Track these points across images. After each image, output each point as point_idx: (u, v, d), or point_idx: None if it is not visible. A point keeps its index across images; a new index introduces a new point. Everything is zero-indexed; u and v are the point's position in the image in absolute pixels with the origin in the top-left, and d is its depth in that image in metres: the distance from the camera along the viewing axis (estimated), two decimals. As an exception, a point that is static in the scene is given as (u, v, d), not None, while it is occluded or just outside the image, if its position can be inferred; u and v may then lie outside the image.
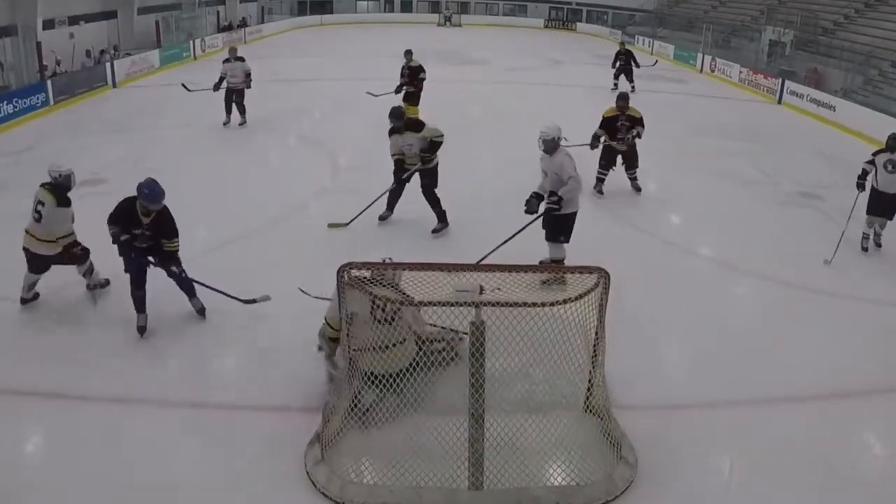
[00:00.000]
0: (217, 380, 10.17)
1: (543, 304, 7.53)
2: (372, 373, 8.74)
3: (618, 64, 33.49)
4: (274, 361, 10.27)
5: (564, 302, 7.66)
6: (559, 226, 12.46)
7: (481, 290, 8.37)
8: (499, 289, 8.06)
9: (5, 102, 26.34)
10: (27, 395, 9.63)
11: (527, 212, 12.42)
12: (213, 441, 8.80)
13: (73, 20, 38.93)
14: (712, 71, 40.30)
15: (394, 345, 8.89)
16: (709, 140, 24.21)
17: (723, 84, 37.99)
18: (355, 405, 8.78)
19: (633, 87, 32.37)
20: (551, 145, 12.32)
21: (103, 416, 9.30)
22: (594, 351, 8.51)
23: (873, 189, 14.21)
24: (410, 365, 8.58)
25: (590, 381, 8.68)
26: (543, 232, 12.62)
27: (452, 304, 7.53)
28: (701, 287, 13.06)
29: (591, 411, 8.80)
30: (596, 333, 8.36)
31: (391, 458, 8.05)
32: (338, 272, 8.04)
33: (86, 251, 11.87)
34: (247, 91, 24.28)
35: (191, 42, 45.16)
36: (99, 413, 9.36)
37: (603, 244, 13.88)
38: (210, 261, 13.29)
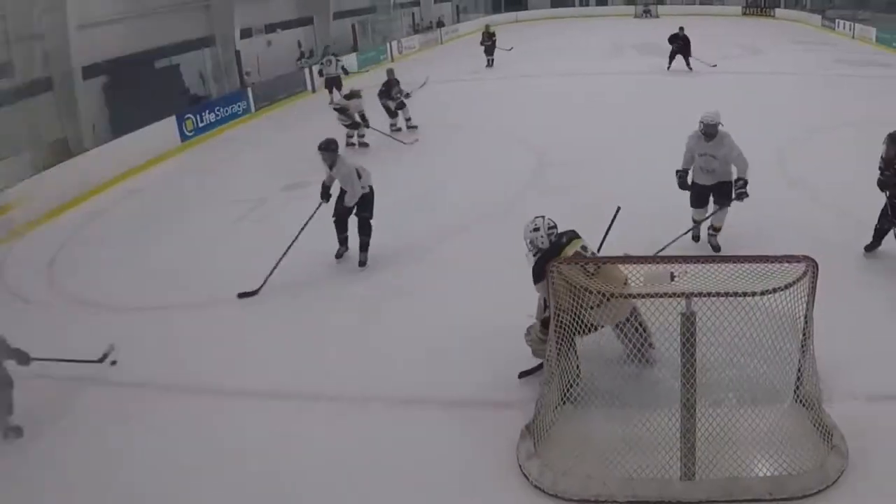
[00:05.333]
0: (431, 375, 10.40)
1: (754, 294, 7.39)
2: (601, 325, 8.90)
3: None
4: (488, 355, 10.45)
5: (774, 291, 7.47)
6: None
7: (672, 277, 8.29)
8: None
9: (207, 111, 27.52)
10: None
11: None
12: (427, 435, 9.10)
13: (270, 28, 39.84)
14: (917, 53, 38.26)
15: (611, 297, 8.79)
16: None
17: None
18: (566, 398, 8.87)
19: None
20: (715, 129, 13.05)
21: (324, 413, 9.83)
22: (803, 341, 8.30)
23: None
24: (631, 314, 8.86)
25: (799, 371, 8.49)
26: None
27: (663, 296, 7.53)
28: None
29: (801, 402, 8.61)
30: (805, 323, 8.13)
31: (603, 450, 8.14)
32: (548, 269, 8.18)
33: None
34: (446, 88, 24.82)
35: (387, 44, 46.39)
36: (321, 411, 9.90)
37: (812, 230, 13.57)
38: (412, 259, 14.17)
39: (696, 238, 13.89)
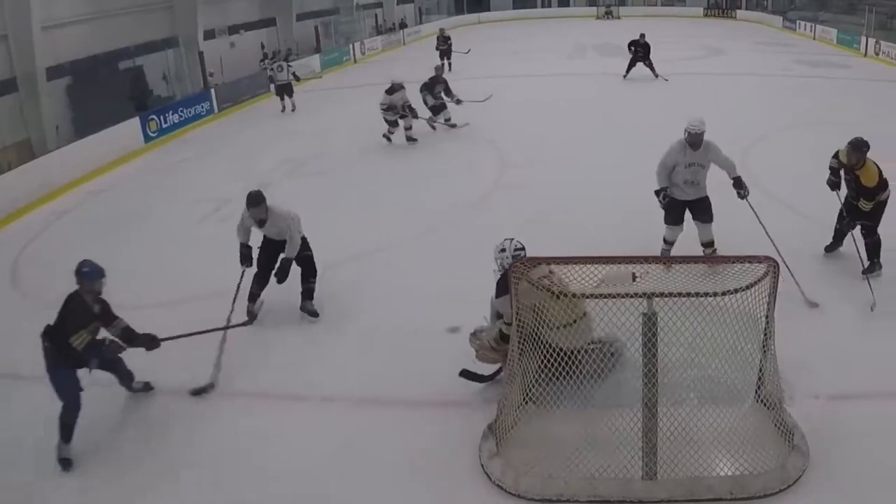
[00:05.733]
0: (394, 375, 10.41)
1: (715, 294, 7.47)
2: (559, 348, 8.68)
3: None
4: (452, 356, 10.37)
5: (735, 291, 7.57)
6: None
7: (634, 277, 8.34)
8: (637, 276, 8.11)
9: (171, 112, 27.84)
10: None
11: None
12: (390, 435, 9.12)
13: (233, 29, 39.94)
14: (876, 54, 38.49)
15: (576, 320, 8.91)
16: (875, 125, 23.27)
17: (888, 67, 35.87)
18: (528, 398, 8.89)
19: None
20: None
21: (283, 414, 9.77)
22: (764, 341, 8.38)
23: None
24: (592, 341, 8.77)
25: (760, 371, 8.59)
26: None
27: (625, 296, 7.58)
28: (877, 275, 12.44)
29: (762, 401, 8.71)
30: (766, 323, 8.23)
31: (565, 449, 8.16)
32: (510, 271, 8.24)
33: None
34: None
35: (350, 46, 46.52)
36: (281, 411, 9.89)
37: (772, 231, 13.47)
38: (375, 261, 14.06)
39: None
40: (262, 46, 41.89)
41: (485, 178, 19.00)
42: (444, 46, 39.59)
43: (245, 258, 12.27)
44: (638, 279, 8.09)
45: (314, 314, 12.34)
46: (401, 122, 23.03)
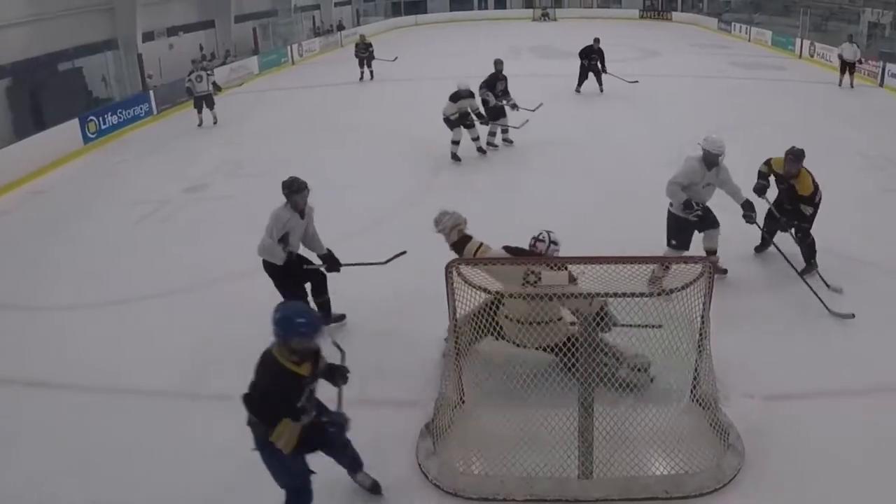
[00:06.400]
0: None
1: (651, 295, 7.61)
2: (517, 344, 8.85)
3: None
4: (382, 355, 10.45)
5: (671, 291, 7.68)
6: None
7: (572, 278, 8.36)
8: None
9: (110, 114, 27.75)
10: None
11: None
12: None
13: (172, 31, 39.72)
14: (811, 56, 39.36)
15: (545, 322, 8.83)
16: (810, 127, 23.47)
17: (823, 69, 36.43)
18: (465, 397, 8.94)
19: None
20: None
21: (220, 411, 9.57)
22: (700, 341, 8.45)
23: None
24: (565, 343, 8.38)
25: (696, 370, 8.65)
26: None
27: (562, 297, 7.63)
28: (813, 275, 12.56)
29: (697, 401, 8.77)
30: (702, 323, 8.27)
31: (502, 449, 8.19)
32: (446, 269, 8.11)
33: None
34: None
35: (288, 47, 46.38)
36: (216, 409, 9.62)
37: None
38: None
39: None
40: (201, 48, 41.61)
41: (429, 179, 19.35)
42: (365, 54, 37.50)
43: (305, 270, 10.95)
44: (577, 279, 8.15)
45: (340, 318, 11.53)
46: (466, 131, 20.70)
